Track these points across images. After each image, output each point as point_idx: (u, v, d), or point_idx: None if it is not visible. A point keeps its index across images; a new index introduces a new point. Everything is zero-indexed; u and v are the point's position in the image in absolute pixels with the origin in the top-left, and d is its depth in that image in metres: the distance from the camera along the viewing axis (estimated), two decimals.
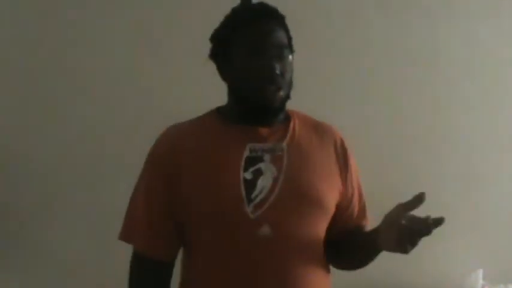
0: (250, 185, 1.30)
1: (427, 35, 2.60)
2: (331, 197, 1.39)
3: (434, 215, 2.76)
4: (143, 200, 1.36)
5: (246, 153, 1.32)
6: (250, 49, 1.32)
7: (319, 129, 1.45)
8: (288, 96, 1.37)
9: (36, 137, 2.32)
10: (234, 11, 1.39)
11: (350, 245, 1.46)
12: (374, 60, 2.56)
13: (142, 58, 2.35)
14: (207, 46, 1.44)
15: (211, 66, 1.44)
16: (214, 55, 1.40)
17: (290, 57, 1.36)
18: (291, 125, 1.40)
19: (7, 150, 2.31)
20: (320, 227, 1.38)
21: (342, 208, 1.44)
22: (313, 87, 2.47)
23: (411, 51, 2.59)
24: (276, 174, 1.32)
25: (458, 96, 2.62)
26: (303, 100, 2.27)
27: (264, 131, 1.36)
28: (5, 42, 2.32)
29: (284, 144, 1.36)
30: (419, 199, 1.21)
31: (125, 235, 1.39)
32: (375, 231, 1.33)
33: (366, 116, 2.54)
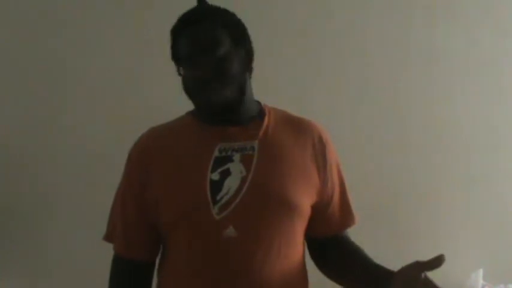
0: (217, 186, 1.28)
1: (427, 35, 2.60)
2: (304, 197, 1.34)
3: (434, 215, 2.76)
4: (120, 201, 1.39)
5: (215, 154, 1.31)
6: (181, 61, 1.32)
7: (296, 126, 1.41)
8: (239, 92, 1.32)
9: (36, 137, 2.32)
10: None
11: (347, 262, 1.42)
12: (373, 60, 2.56)
13: (142, 58, 2.35)
14: None
15: None
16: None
17: (229, 53, 1.30)
18: (265, 122, 1.37)
19: (7, 150, 2.31)
20: (292, 229, 1.33)
21: (322, 206, 1.40)
22: (312, 87, 2.47)
23: (411, 51, 2.59)
24: (245, 174, 1.29)
25: (458, 96, 2.62)
26: (302, 99, 2.28)
27: (235, 130, 1.34)
28: (5, 42, 2.32)
29: (255, 142, 1.33)
30: (438, 261, 1.17)
31: (107, 235, 1.42)
32: (385, 276, 1.26)
33: (365, 116, 2.54)
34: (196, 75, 1.29)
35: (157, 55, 2.33)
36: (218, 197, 1.27)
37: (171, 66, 1.37)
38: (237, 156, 1.31)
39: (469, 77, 2.63)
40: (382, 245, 2.40)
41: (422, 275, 1.18)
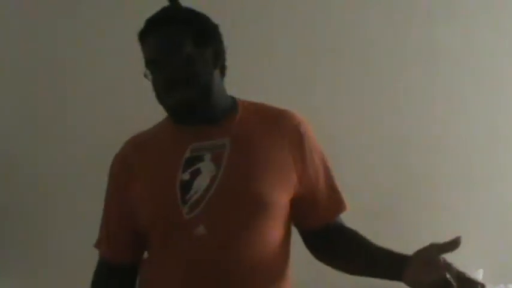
0: (187, 186, 1.28)
1: (427, 35, 2.60)
2: (277, 191, 1.31)
3: (434, 215, 2.76)
4: (105, 208, 1.44)
5: (186, 155, 1.31)
6: (146, 66, 1.36)
7: (271, 119, 1.38)
8: (203, 91, 1.32)
9: (36, 137, 2.32)
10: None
11: (351, 249, 1.39)
12: (373, 60, 2.56)
13: (142, 58, 2.35)
14: None
15: None
16: None
17: (190, 54, 1.31)
18: (237, 117, 1.36)
19: (7, 150, 2.31)
20: (265, 224, 1.30)
21: (308, 195, 1.37)
22: (312, 87, 2.47)
23: (411, 51, 2.59)
24: (215, 172, 1.29)
25: (458, 96, 2.62)
26: (302, 99, 2.27)
27: (208, 128, 1.33)
28: (5, 42, 2.32)
29: (227, 139, 1.32)
30: (455, 243, 1.15)
31: (97, 242, 1.46)
32: (401, 260, 1.24)
33: (366, 116, 2.54)
34: (158, 78, 1.32)
35: None
36: (188, 197, 1.28)
37: None
38: (208, 156, 1.31)
39: (469, 77, 2.63)
40: (382, 244, 2.40)
41: (441, 258, 1.16)
